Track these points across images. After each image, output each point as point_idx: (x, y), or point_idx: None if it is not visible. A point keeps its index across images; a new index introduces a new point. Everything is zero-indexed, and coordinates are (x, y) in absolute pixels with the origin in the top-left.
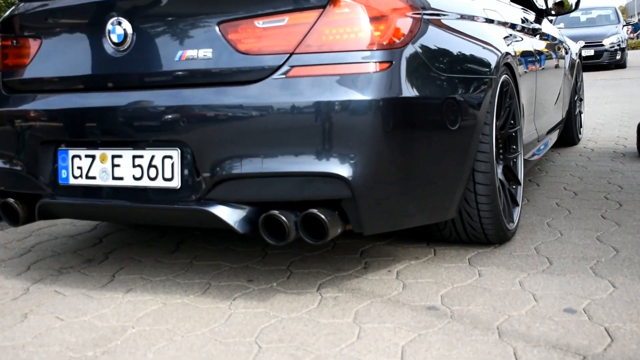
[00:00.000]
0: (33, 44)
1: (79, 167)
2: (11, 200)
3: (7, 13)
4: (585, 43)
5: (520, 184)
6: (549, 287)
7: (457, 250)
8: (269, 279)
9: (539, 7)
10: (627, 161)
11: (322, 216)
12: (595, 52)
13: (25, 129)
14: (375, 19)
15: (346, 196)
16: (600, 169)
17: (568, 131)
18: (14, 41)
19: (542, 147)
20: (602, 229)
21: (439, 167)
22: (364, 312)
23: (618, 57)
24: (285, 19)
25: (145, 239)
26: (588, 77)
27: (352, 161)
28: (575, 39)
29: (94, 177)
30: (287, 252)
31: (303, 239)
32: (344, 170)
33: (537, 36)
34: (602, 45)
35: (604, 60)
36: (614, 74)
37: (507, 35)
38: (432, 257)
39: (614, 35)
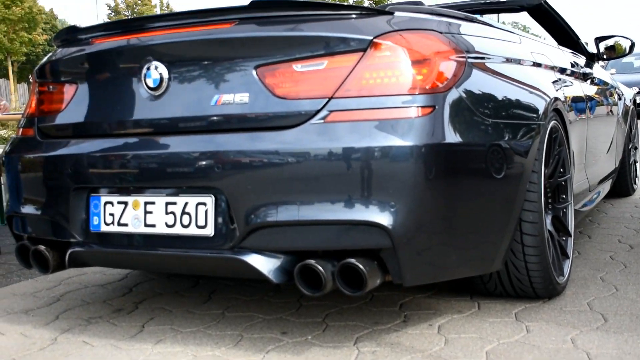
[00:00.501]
0: (69, 90)
1: (111, 214)
2: (42, 247)
3: (45, 59)
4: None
5: (570, 236)
6: (604, 346)
7: (502, 304)
8: (304, 331)
9: (590, 51)
10: None
11: (361, 266)
12: None
13: (57, 174)
14: (418, 62)
15: (386, 246)
16: None
17: (622, 181)
18: (50, 87)
19: (594, 197)
20: None
21: (484, 216)
22: None
23: None
24: (324, 63)
25: (176, 289)
26: None
27: (392, 209)
28: (628, 85)
29: (125, 224)
30: (323, 303)
31: (340, 289)
32: (384, 218)
33: (588, 81)
34: None
35: None
36: None
37: (556, 79)
38: (476, 311)
39: None
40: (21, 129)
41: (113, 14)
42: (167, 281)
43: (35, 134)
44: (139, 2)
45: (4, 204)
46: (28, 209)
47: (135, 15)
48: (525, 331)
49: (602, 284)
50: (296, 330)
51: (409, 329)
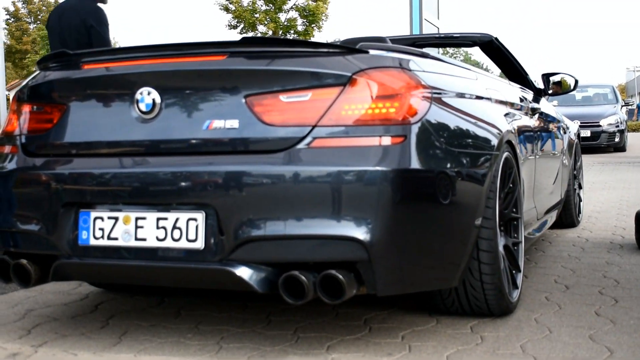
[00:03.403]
0: (56, 110)
1: (101, 229)
2: (24, 261)
3: (29, 80)
4: (581, 123)
5: (520, 271)
6: None
7: (434, 346)
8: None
9: (537, 86)
10: (625, 253)
11: (340, 276)
12: (592, 133)
13: (45, 191)
14: (390, 96)
15: (362, 258)
16: (595, 261)
17: (567, 212)
18: (36, 107)
19: (541, 226)
20: (595, 327)
21: (446, 233)
22: None
23: (617, 139)
24: (308, 95)
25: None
26: (584, 160)
27: (368, 226)
28: (570, 118)
29: (115, 238)
30: (244, 346)
31: (321, 298)
32: (360, 233)
33: (536, 115)
34: (600, 126)
35: (602, 142)
36: (613, 157)
37: (508, 113)
38: (407, 354)
39: (612, 115)
40: (1, 147)
41: (12, 19)
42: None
43: (19, 151)
44: (44, 8)
45: None
46: (10, 224)
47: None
48: None
49: (536, 325)
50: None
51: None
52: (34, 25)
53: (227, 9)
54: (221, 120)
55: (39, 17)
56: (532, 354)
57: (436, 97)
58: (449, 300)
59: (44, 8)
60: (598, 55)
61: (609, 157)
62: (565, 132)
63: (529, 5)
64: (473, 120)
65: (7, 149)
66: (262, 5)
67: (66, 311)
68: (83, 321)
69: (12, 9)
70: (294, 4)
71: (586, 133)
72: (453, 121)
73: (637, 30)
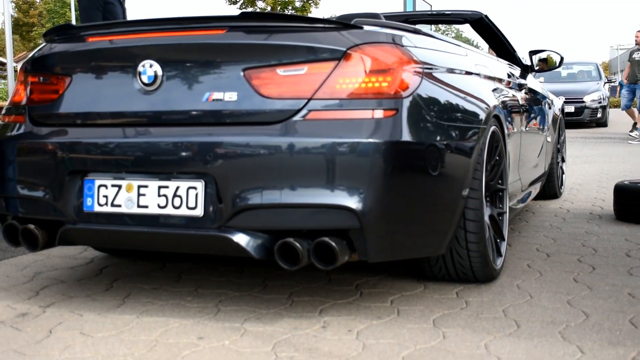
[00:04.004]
0: (62, 81)
1: (105, 196)
2: (32, 226)
3: (36, 52)
4: (566, 99)
5: (504, 240)
6: (515, 351)
7: (421, 310)
8: (221, 336)
9: (524, 63)
10: (603, 223)
11: (333, 244)
12: (575, 109)
13: (52, 159)
14: (383, 71)
15: (354, 226)
16: (575, 230)
17: (551, 184)
18: (42, 78)
19: (525, 197)
20: (573, 292)
21: (435, 203)
22: None
23: (599, 115)
24: (304, 69)
25: (87, 293)
26: (568, 135)
27: (360, 195)
28: (555, 94)
29: (119, 205)
30: (242, 309)
31: (314, 264)
32: (353, 203)
33: (523, 91)
34: (583, 102)
35: (585, 117)
36: (595, 132)
37: (496, 88)
38: (395, 317)
39: (596, 92)
40: (8, 116)
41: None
42: (78, 284)
43: (27, 121)
44: None
45: None
46: (18, 191)
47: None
48: (442, 337)
49: (517, 291)
50: (213, 336)
51: (327, 334)
52: None
53: None
54: (220, 93)
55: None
56: (514, 317)
57: (427, 72)
58: (436, 267)
59: None
60: (583, 33)
61: (591, 132)
62: (550, 108)
63: None
64: (462, 95)
65: (14, 118)
66: None
67: (72, 274)
68: (88, 284)
69: None
70: None
71: (570, 109)
72: (443, 95)
73: (622, 10)
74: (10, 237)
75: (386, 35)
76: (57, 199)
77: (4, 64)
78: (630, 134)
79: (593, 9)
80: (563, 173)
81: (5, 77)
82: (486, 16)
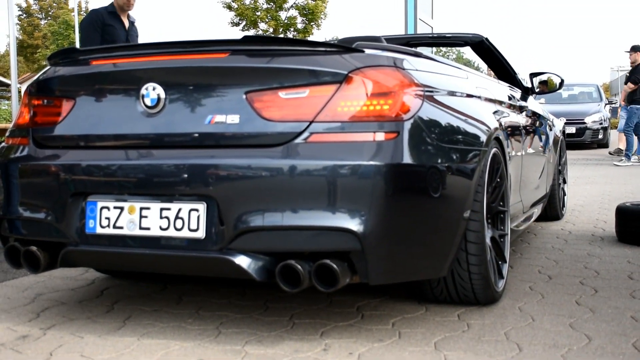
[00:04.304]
0: (65, 104)
1: (107, 218)
2: (34, 248)
3: (40, 75)
4: (567, 120)
5: (506, 262)
6: None
7: (422, 333)
8: (222, 359)
9: (525, 85)
10: (606, 245)
11: (334, 266)
12: (577, 130)
13: (54, 181)
14: (384, 94)
15: (356, 248)
16: (577, 252)
17: (552, 206)
18: (46, 101)
19: (526, 219)
20: (575, 315)
21: (435, 226)
22: None
23: (600, 136)
24: (306, 92)
25: (88, 315)
26: (569, 156)
27: (362, 218)
28: (556, 115)
29: (121, 227)
30: (242, 331)
31: (315, 286)
32: (354, 225)
33: (524, 113)
34: (584, 123)
35: (586, 138)
36: (596, 153)
37: (497, 111)
38: (397, 340)
39: (596, 113)
40: (13, 138)
41: (25, 15)
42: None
43: (30, 143)
44: (54, 5)
45: None
46: (21, 213)
47: (49, 17)
48: None
49: (519, 314)
50: (214, 358)
51: (329, 357)
52: (45, 21)
53: (229, 7)
54: (222, 115)
55: (50, 13)
56: (515, 340)
57: (428, 95)
58: (437, 289)
59: (54, 4)
60: (584, 55)
61: (592, 153)
62: (551, 129)
63: (519, 7)
64: (463, 118)
65: (18, 140)
66: (263, 4)
67: (73, 296)
68: (89, 305)
69: (24, 5)
70: (294, 3)
71: (571, 130)
72: (444, 118)
73: (621, 32)
74: (12, 259)
75: (387, 59)
76: (60, 220)
77: (8, 85)
78: (616, 158)
79: (593, 31)
80: (564, 194)
81: (9, 98)
82: (487, 39)
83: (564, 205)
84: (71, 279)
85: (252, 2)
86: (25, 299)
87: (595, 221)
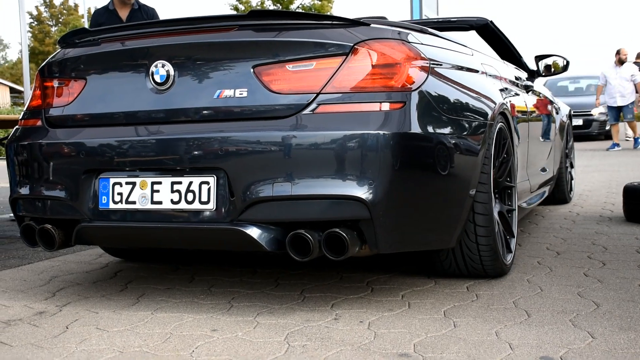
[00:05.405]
0: (77, 85)
1: (119, 193)
2: (49, 226)
3: (51, 58)
4: (574, 112)
5: (514, 237)
6: (525, 337)
7: (432, 302)
8: (234, 328)
9: (531, 68)
10: (613, 224)
11: (344, 234)
12: (584, 121)
13: (68, 159)
14: (390, 65)
15: (364, 217)
16: (585, 231)
17: (560, 189)
18: (57, 82)
19: (534, 199)
20: (583, 285)
21: (443, 194)
22: (333, 358)
23: (607, 127)
24: (313, 64)
25: (102, 293)
26: (576, 147)
27: (370, 186)
28: None
29: (133, 202)
30: (253, 305)
31: (325, 255)
32: (363, 193)
33: (530, 92)
34: (591, 115)
35: (593, 130)
36: (603, 144)
37: (503, 88)
38: (407, 309)
39: (603, 105)
40: (25, 120)
41: (36, 22)
42: (93, 285)
43: (43, 124)
44: (64, 11)
45: None
46: (34, 192)
47: (59, 24)
48: (453, 326)
49: (528, 285)
50: (226, 328)
51: (339, 325)
52: (56, 28)
53: (236, 9)
54: (231, 90)
55: (60, 19)
56: (524, 308)
57: (434, 68)
58: (446, 262)
59: (64, 11)
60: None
61: (600, 144)
62: (557, 113)
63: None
64: (469, 91)
65: (31, 122)
66: (269, 5)
67: (88, 277)
68: (103, 285)
69: (35, 12)
70: (301, 3)
71: (578, 122)
72: (450, 91)
73: (629, 25)
74: (27, 238)
75: (392, 32)
76: (73, 198)
77: (21, 92)
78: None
79: (602, 22)
80: (572, 178)
81: (22, 105)
82: (491, 22)
83: (571, 189)
84: (85, 263)
85: (259, 3)
86: (41, 281)
87: (603, 204)
